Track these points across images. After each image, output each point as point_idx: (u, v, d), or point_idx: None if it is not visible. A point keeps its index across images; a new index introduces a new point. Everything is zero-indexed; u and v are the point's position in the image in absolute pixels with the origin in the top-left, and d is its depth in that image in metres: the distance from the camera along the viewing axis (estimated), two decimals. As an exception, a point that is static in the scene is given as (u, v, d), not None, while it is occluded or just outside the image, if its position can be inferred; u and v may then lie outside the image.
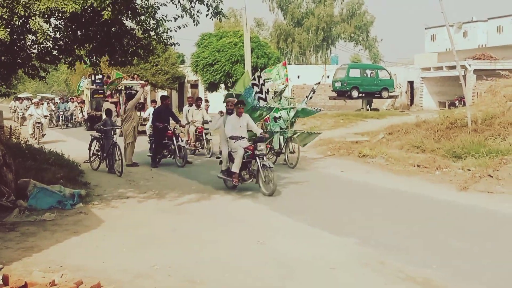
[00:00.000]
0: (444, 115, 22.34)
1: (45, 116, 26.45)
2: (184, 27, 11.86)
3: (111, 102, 27.55)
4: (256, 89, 16.37)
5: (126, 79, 30.92)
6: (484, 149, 15.86)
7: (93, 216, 10.73)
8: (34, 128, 23.55)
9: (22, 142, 16.99)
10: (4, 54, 9.50)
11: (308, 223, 9.87)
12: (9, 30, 8.77)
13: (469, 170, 14.20)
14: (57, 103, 40.55)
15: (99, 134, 16.30)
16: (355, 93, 35.50)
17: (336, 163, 17.02)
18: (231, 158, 13.16)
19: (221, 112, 17.67)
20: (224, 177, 13.38)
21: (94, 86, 33.98)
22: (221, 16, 12.08)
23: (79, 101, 38.04)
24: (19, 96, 46.23)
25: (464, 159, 15.53)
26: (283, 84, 18.87)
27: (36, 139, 22.86)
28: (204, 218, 10.55)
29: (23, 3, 8.74)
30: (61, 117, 36.89)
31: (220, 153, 13.82)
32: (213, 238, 9.05)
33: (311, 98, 18.22)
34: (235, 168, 12.82)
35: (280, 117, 17.22)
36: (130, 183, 14.35)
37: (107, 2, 9.07)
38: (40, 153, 16.11)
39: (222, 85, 38.25)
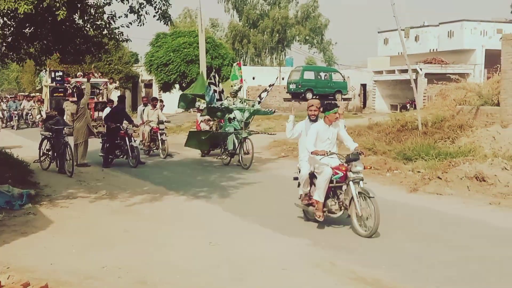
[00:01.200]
0: (395, 118, 22.67)
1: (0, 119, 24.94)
2: (130, 24, 11.87)
3: (72, 102, 25.83)
4: (213, 87, 16.54)
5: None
6: (433, 152, 16.10)
7: (42, 216, 10.55)
8: None
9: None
10: None
11: (260, 224, 9.86)
12: None
13: (419, 172, 14.40)
14: (8, 101, 38.84)
15: (50, 134, 15.95)
16: (309, 95, 35.71)
17: (289, 165, 16.95)
18: (312, 181, 9.92)
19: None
20: (304, 206, 10.11)
21: (53, 84, 31.75)
22: (168, 20, 12.04)
23: (37, 100, 36.65)
24: None
25: (414, 161, 15.74)
26: (237, 84, 19.00)
27: None
28: (156, 219, 10.47)
29: None
30: (14, 116, 34.84)
31: (299, 171, 10.27)
32: (165, 239, 9.00)
33: (262, 99, 18.27)
34: (319, 196, 9.52)
35: (234, 118, 17.17)
36: (81, 183, 14.16)
37: (62, 1, 8.96)
38: (-13, 152, 15.79)
39: (177, 85, 38.16)
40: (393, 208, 11.16)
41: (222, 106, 16.92)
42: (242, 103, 17.88)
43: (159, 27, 57.21)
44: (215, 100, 16.73)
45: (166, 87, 38.32)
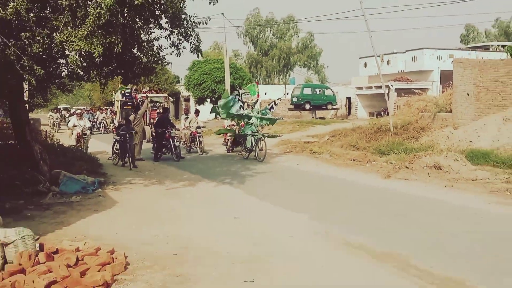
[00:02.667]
0: (372, 123, 22.54)
1: (89, 128, 21.80)
2: (172, 54, 12.02)
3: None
4: (240, 103, 16.98)
5: (145, 93, 29.75)
6: (402, 148, 16.01)
7: (110, 198, 10.59)
8: (79, 140, 18.52)
9: (55, 143, 16.69)
10: (39, 67, 9.35)
11: (272, 203, 9.83)
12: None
13: (391, 163, 14.29)
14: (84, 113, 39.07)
15: (119, 137, 15.86)
16: (307, 106, 35.67)
17: (293, 158, 17.02)
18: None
19: None
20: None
21: (124, 99, 30.98)
22: (199, 53, 12.14)
23: (111, 112, 35.97)
24: (59, 107, 44.65)
25: (387, 155, 15.63)
26: (255, 99, 19.18)
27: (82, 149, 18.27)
28: (193, 199, 10.49)
29: (58, 42, 8.63)
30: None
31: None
32: (200, 214, 9.00)
33: (272, 108, 18.36)
34: None
35: (252, 123, 17.20)
36: (137, 173, 14.20)
37: (118, 40, 9.03)
38: (69, 151, 15.83)
39: (208, 99, 38.24)
40: (371, 191, 11.14)
41: (244, 114, 17.10)
42: (258, 112, 17.89)
43: (194, 56, 57.40)
44: (239, 108, 16.98)
45: (200, 100, 38.45)
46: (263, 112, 17.97)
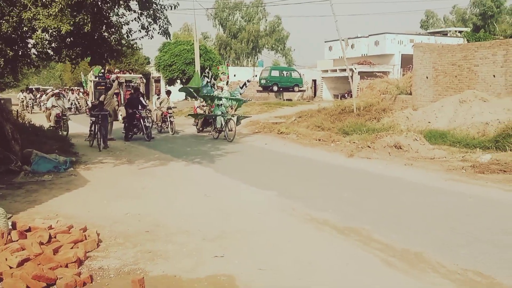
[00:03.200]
0: (337, 104, 22.72)
1: (68, 108, 21.92)
2: (142, 38, 11.92)
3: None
4: (207, 79, 16.87)
5: (116, 73, 28.33)
6: (364, 128, 16.23)
7: (81, 177, 10.41)
8: (58, 121, 17.58)
9: (26, 123, 16.24)
10: (9, 48, 9.01)
11: (241, 181, 9.84)
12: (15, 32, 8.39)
13: (354, 142, 14.45)
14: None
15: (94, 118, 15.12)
16: (275, 88, 35.66)
17: (261, 138, 17.04)
18: None
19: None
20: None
21: (97, 79, 29.27)
22: (168, 35, 12.04)
23: (83, 92, 34.68)
24: (30, 87, 42.50)
25: (350, 135, 15.82)
26: (224, 79, 19.19)
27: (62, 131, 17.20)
28: (164, 178, 10.39)
29: (26, 20, 8.33)
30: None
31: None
32: (172, 193, 8.93)
33: (245, 86, 18.29)
34: None
35: (221, 104, 17.08)
36: (109, 153, 13.98)
37: (88, 20, 8.79)
38: (40, 130, 15.46)
39: (178, 80, 37.83)
40: (335, 169, 11.25)
41: (213, 95, 16.97)
42: (229, 93, 17.81)
43: (164, 38, 56.28)
44: (208, 89, 16.87)
45: (170, 82, 37.99)
46: (233, 93, 17.88)
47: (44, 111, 32.22)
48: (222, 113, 16.96)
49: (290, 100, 35.74)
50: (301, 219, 7.07)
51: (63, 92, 34.67)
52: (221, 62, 39.44)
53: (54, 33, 10.70)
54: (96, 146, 14.82)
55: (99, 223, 6.85)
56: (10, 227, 6.14)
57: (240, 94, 17.87)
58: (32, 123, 16.56)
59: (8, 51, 8.43)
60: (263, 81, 36.07)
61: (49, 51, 10.91)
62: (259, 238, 6.21)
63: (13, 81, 30.51)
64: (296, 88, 37.09)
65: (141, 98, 17.62)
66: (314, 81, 42.07)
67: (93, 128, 15.26)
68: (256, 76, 43.16)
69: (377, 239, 6.09)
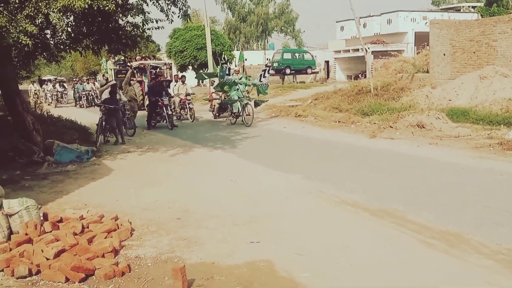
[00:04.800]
0: (353, 85, 22.46)
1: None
2: (160, 28, 11.75)
3: (136, 81, 22.30)
4: (225, 66, 16.73)
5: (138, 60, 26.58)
6: (384, 108, 16.00)
7: (105, 166, 10.41)
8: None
9: (45, 113, 16.26)
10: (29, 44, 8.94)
11: (264, 165, 9.74)
12: (35, 25, 8.27)
13: (375, 123, 14.27)
14: (76, 84, 32.77)
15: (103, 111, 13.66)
16: (288, 71, 35.37)
17: (279, 122, 16.89)
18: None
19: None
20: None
21: (117, 67, 27.51)
22: (188, 18, 11.95)
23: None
24: (44, 78, 41.15)
25: (370, 116, 15.61)
26: (242, 64, 18.94)
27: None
28: (188, 164, 10.34)
29: (44, 2, 8.21)
30: (83, 97, 29.41)
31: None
32: (197, 179, 8.88)
33: (266, 77, 17.75)
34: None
35: (238, 89, 16.89)
36: (129, 141, 13.94)
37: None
38: (59, 120, 15.47)
39: (190, 67, 37.66)
40: (359, 150, 11.11)
41: (230, 80, 16.79)
42: (245, 78, 17.60)
43: (174, 24, 56.00)
44: (225, 75, 16.67)
45: (182, 68, 37.80)
46: (251, 80, 17.71)
47: (50, 102, 31.28)
48: (239, 97, 16.74)
49: (303, 82, 35.49)
50: (330, 202, 6.98)
51: (75, 82, 34.02)
52: (231, 47, 39.24)
53: (69, 21, 10.64)
54: (103, 142, 13.54)
55: (129, 211, 6.83)
56: (42, 218, 6.13)
57: (261, 80, 17.49)
58: (50, 113, 16.56)
59: (26, 40, 8.29)
60: (275, 64, 35.73)
61: (67, 39, 10.78)
62: (291, 222, 6.13)
63: (26, 72, 29.99)
64: (309, 70, 36.76)
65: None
66: (327, 62, 41.67)
67: (100, 122, 13.50)
68: (267, 59, 42.90)
69: (412, 220, 5.98)
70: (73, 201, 7.56)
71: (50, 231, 5.78)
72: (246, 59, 20.73)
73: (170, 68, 28.17)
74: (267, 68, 18.14)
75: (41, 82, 35.59)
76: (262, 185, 8.20)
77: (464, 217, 5.99)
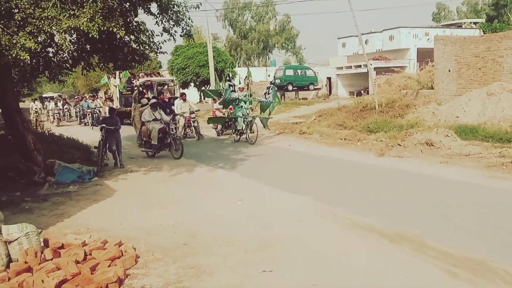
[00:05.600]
0: (357, 101, 22.25)
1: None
2: (166, 41, 11.66)
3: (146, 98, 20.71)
4: (228, 83, 16.57)
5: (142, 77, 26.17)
6: (390, 125, 15.76)
7: (107, 187, 10.11)
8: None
9: (46, 132, 16.00)
10: (31, 62, 8.74)
11: (271, 185, 9.45)
12: (36, 42, 8.02)
13: (382, 141, 14.01)
14: (81, 101, 32.04)
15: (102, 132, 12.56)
16: (290, 87, 35.23)
17: (284, 139, 16.62)
18: None
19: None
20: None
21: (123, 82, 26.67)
22: (190, 37, 11.81)
23: (107, 97, 31.59)
24: (44, 95, 40.47)
25: (376, 133, 15.37)
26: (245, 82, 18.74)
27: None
28: (193, 184, 10.05)
29: (48, 21, 7.99)
30: (88, 114, 28.10)
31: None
32: (202, 200, 8.59)
33: (269, 93, 17.53)
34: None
35: (242, 106, 16.58)
36: (131, 160, 13.65)
37: (121, 25, 8.42)
38: (60, 139, 15.19)
39: (192, 83, 37.55)
40: (368, 169, 10.82)
41: (235, 98, 16.52)
42: (249, 96, 17.34)
43: (176, 41, 55.85)
44: (229, 93, 16.43)
45: (184, 85, 37.67)
46: (255, 97, 17.51)
47: (52, 120, 30.04)
48: (243, 114, 16.48)
49: (306, 98, 35.33)
50: (344, 226, 6.67)
51: (79, 99, 33.52)
52: (233, 64, 39.17)
53: (72, 39, 10.43)
54: (101, 166, 12.09)
55: (133, 236, 6.53)
56: (42, 244, 5.83)
57: (266, 96, 17.26)
58: (51, 132, 16.29)
59: (26, 57, 8.06)
60: (277, 81, 35.61)
61: (69, 58, 10.59)
62: (305, 248, 5.81)
63: (27, 90, 29.48)
64: (311, 87, 36.65)
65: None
66: (329, 78, 41.58)
67: (100, 144, 12.26)
68: (269, 75, 42.82)
69: (432, 246, 5.67)
70: (74, 225, 7.25)
71: (51, 259, 5.48)
72: (251, 76, 20.54)
73: (176, 85, 27.77)
74: (271, 86, 17.93)
75: (43, 100, 35.27)
76: (271, 207, 7.89)
77: (487, 243, 5.67)
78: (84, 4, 7.90)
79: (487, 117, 14.13)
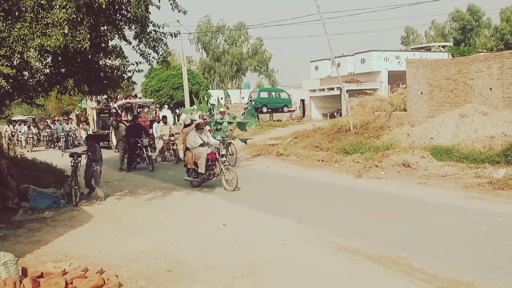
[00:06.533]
0: (332, 123, 22.44)
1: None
2: (140, 71, 11.59)
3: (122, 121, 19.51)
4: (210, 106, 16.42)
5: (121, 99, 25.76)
6: (365, 146, 15.90)
7: (84, 212, 9.86)
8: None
9: (18, 156, 15.58)
10: (6, 86, 8.54)
11: (253, 208, 9.38)
12: (11, 66, 7.86)
13: (358, 162, 14.11)
14: (55, 124, 30.24)
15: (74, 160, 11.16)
16: (264, 109, 35.40)
17: (262, 161, 16.55)
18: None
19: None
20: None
21: (99, 106, 26.30)
22: (167, 64, 11.82)
23: (82, 121, 30.80)
24: (13, 119, 38.99)
25: (352, 154, 15.47)
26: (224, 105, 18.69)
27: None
28: (172, 208, 9.90)
29: (21, 42, 7.88)
30: (62, 138, 26.95)
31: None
32: (183, 224, 8.46)
33: (248, 108, 17.63)
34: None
35: (221, 128, 16.31)
36: (107, 184, 13.35)
37: (86, 35, 8.29)
38: (33, 163, 14.79)
39: (166, 106, 37.32)
40: (347, 191, 10.85)
41: (212, 121, 16.36)
42: (233, 118, 17.26)
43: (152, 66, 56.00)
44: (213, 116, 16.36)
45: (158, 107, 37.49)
46: (233, 116, 17.43)
47: (25, 145, 27.85)
48: (222, 138, 16.04)
49: (280, 120, 35.51)
50: (329, 249, 6.63)
51: (54, 122, 32.08)
52: (207, 86, 39.19)
53: (47, 62, 10.29)
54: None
55: (114, 263, 6.35)
56: (21, 273, 5.60)
57: (243, 115, 17.29)
58: (24, 156, 15.87)
59: (3, 83, 7.90)
60: (252, 103, 35.79)
61: (45, 81, 10.40)
62: (292, 273, 5.74)
63: None
64: (285, 109, 36.90)
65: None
66: (302, 100, 41.96)
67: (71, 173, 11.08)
68: (243, 98, 42.98)
69: (418, 268, 5.67)
70: (53, 252, 7.02)
71: (30, 289, 5.26)
72: (229, 97, 20.62)
73: (157, 107, 27.36)
74: (249, 102, 18.03)
75: (11, 123, 33.92)
76: (255, 230, 7.82)
77: (473, 264, 5.70)
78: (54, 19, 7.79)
79: (461, 138, 14.40)
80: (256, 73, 73.28)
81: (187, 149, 12.29)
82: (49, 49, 8.55)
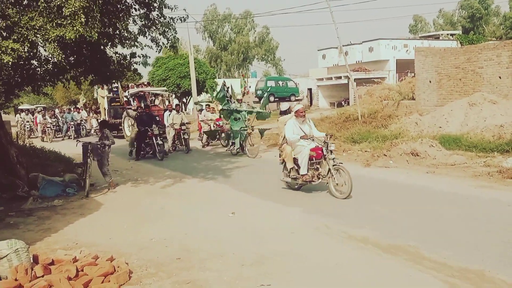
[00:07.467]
0: (340, 112, 22.39)
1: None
2: (148, 57, 11.52)
3: (133, 110, 20.65)
4: (223, 93, 16.06)
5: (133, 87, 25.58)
6: (374, 135, 15.86)
7: (93, 200, 9.93)
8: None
9: (27, 145, 15.67)
10: (15, 74, 8.56)
11: (261, 197, 9.38)
12: (15, 56, 7.79)
13: (366, 151, 14.08)
14: (62, 113, 29.83)
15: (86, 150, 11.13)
16: (271, 98, 35.32)
17: (271, 150, 16.49)
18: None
19: None
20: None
21: (111, 95, 25.99)
22: (175, 50, 11.85)
23: (94, 110, 30.94)
24: (19, 108, 38.68)
25: (360, 143, 15.44)
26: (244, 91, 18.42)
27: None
28: (182, 197, 9.92)
29: (34, 31, 7.84)
30: (71, 127, 26.98)
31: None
32: (193, 213, 8.47)
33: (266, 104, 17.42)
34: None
35: (239, 118, 15.96)
36: (116, 172, 13.41)
37: (96, 25, 8.24)
38: (42, 152, 14.88)
39: (173, 95, 37.30)
40: (355, 180, 10.56)
41: (233, 109, 16.03)
42: (246, 106, 17.07)
43: (157, 53, 55.94)
44: (228, 103, 16.03)
45: (165, 96, 37.48)
46: (253, 106, 17.29)
47: (28, 135, 27.05)
48: (241, 128, 15.69)
49: (287, 110, 35.43)
50: (338, 238, 6.62)
51: (63, 111, 31.53)
52: (214, 75, 39.10)
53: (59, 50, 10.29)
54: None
55: (124, 251, 6.39)
56: (32, 261, 5.65)
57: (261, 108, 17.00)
58: (33, 145, 15.97)
59: (9, 60, 7.87)
60: (259, 92, 35.77)
61: (53, 69, 10.40)
62: (301, 261, 5.74)
63: (5, 102, 28.37)
64: (292, 98, 36.85)
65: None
66: (310, 89, 41.85)
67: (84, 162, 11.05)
68: (250, 87, 42.88)
69: (428, 257, 5.66)
70: (63, 240, 7.08)
71: (42, 276, 5.31)
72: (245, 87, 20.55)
73: (171, 96, 27.13)
74: (267, 94, 17.89)
75: (17, 112, 33.65)
76: (264, 219, 7.82)
77: (483, 253, 5.68)
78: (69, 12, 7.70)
79: (470, 127, 14.33)
80: (263, 62, 73.16)
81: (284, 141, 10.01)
82: (68, 41, 8.47)
